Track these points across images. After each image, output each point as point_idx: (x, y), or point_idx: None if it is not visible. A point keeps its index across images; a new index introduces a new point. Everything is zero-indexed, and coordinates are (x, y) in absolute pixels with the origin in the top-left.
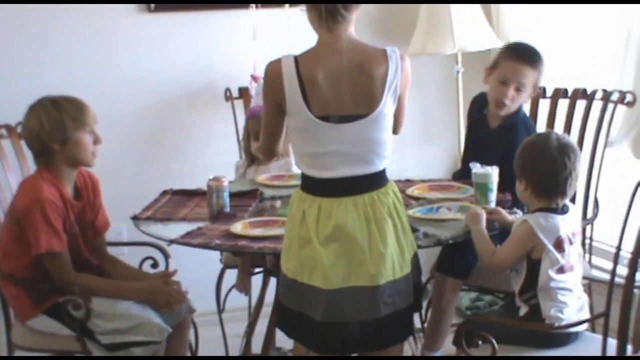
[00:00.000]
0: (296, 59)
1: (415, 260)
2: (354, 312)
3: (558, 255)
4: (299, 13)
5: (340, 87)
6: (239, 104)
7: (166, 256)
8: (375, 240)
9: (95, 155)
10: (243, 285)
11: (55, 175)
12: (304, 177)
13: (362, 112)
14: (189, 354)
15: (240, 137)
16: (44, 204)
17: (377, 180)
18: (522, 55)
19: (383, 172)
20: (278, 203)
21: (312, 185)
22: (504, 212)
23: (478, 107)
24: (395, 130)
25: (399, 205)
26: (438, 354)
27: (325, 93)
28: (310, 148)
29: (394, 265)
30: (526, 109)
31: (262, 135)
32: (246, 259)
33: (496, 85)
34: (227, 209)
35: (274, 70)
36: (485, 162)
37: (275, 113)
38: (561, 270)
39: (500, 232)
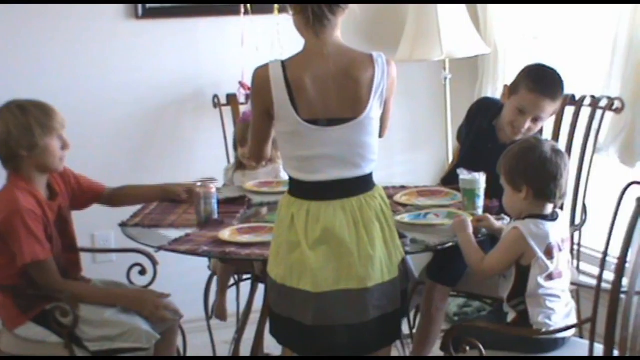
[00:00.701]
0: (283, 63)
1: (403, 266)
2: (343, 316)
3: (548, 262)
4: (288, 20)
5: (327, 91)
6: (227, 110)
7: (154, 263)
8: (364, 243)
9: (63, 160)
10: (220, 311)
11: (28, 181)
12: (292, 181)
13: (349, 116)
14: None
15: (230, 142)
16: (22, 215)
17: (364, 183)
18: (544, 88)
19: (370, 175)
20: (265, 210)
21: (300, 189)
22: (492, 218)
23: (488, 116)
24: (380, 134)
25: (386, 209)
26: None
27: (313, 97)
28: (299, 151)
29: (382, 269)
30: None
31: (250, 140)
32: (225, 277)
33: (513, 111)
34: (215, 216)
35: (261, 75)
36: (487, 172)
37: (263, 117)
38: (550, 277)
39: (488, 238)
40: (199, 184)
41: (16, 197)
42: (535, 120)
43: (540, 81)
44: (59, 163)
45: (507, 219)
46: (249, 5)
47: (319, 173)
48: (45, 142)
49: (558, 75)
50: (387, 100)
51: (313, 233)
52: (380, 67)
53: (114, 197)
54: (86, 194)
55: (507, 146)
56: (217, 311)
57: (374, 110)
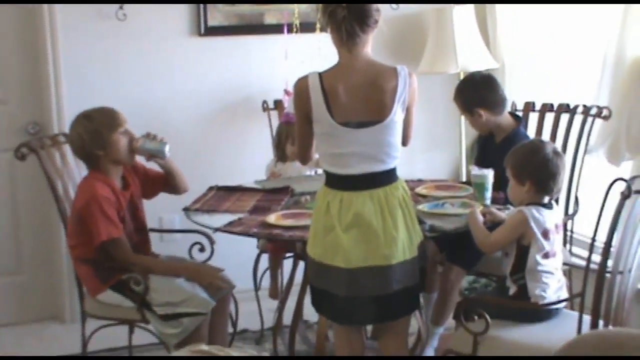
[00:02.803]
0: (320, 75)
1: (422, 247)
2: (370, 288)
3: (545, 243)
4: (327, 37)
5: (357, 98)
6: (274, 114)
7: (211, 242)
8: (389, 227)
9: (134, 153)
10: (274, 292)
11: (105, 173)
12: (328, 175)
13: (376, 119)
14: (229, 325)
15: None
16: (99, 200)
17: (389, 177)
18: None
19: (394, 170)
20: (305, 198)
21: (334, 181)
22: (496, 211)
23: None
24: (404, 142)
25: (407, 199)
26: (442, 329)
27: (345, 103)
28: (333, 149)
29: (404, 249)
30: None
31: (296, 144)
32: (275, 265)
33: None
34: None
35: (302, 85)
36: (496, 168)
37: (304, 121)
38: (546, 255)
39: (491, 227)
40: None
41: (94, 186)
42: (466, 115)
43: None
44: (129, 156)
45: (511, 208)
46: (298, 24)
47: (350, 168)
48: (113, 139)
49: (461, 83)
50: (410, 107)
51: (345, 218)
52: (403, 78)
53: (160, 181)
54: (154, 182)
55: (501, 144)
56: (271, 292)
57: (397, 114)
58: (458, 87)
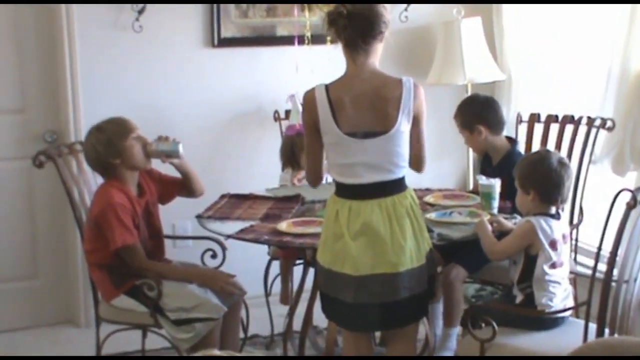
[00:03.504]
0: (327, 86)
1: (430, 255)
2: (378, 295)
3: (552, 253)
4: (336, 48)
5: (363, 109)
6: (285, 123)
7: (223, 248)
8: (396, 235)
9: (149, 158)
10: (284, 298)
11: (121, 181)
12: (337, 184)
13: (382, 130)
14: (241, 330)
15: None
16: (115, 207)
17: (396, 186)
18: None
19: (402, 179)
20: (317, 206)
21: (343, 190)
22: (503, 220)
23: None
24: (417, 167)
25: (415, 208)
26: (456, 329)
27: (351, 114)
28: (341, 159)
29: (411, 256)
30: (523, 131)
31: (306, 160)
32: (286, 271)
33: None
34: (181, 150)
35: (309, 97)
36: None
37: (312, 132)
38: (553, 266)
39: (498, 235)
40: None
41: (111, 193)
42: (464, 133)
43: None
44: (145, 160)
45: (518, 217)
46: (310, 36)
47: (358, 177)
48: (126, 145)
49: (464, 101)
50: (417, 120)
51: (354, 226)
52: (407, 88)
53: (177, 185)
54: (170, 186)
55: (498, 166)
56: (282, 298)
57: (402, 125)
58: (461, 105)
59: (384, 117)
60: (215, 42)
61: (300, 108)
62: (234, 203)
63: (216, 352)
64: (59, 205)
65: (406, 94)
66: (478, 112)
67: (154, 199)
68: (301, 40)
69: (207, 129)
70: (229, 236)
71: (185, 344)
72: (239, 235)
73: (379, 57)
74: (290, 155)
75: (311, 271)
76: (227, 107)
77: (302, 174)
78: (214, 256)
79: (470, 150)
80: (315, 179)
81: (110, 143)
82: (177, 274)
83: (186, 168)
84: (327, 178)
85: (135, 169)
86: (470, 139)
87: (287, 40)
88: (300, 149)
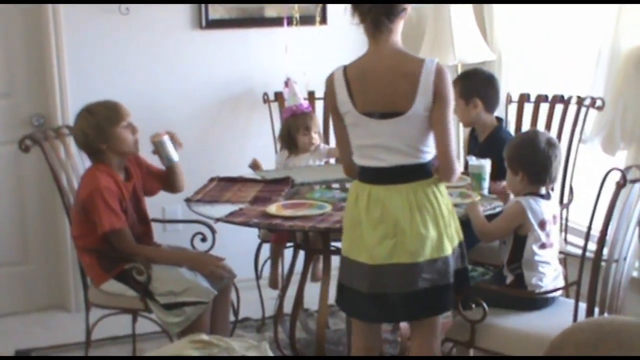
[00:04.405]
0: (345, 67)
1: (460, 248)
2: (395, 285)
3: (541, 234)
4: (326, 30)
5: (380, 88)
6: (275, 105)
7: (213, 232)
8: (416, 224)
9: (137, 143)
10: (273, 282)
11: (108, 165)
12: (359, 168)
13: (399, 111)
14: (231, 313)
15: (277, 133)
16: (102, 191)
17: (418, 172)
18: None
19: (424, 165)
20: (305, 189)
21: (364, 174)
22: (479, 209)
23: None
24: (443, 171)
25: (439, 196)
26: None
27: (367, 93)
28: (360, 141)
29: (432, 247)
30: (512, 111)
31: (337, 148)
32: (277, 256)
33: None
34: (175, 158)
35: (329, 80)
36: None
37: (337, 119)
38: (543, 246)
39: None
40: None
41: (97, 177)
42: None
43: None
44: (133, 146)
45: (511, 197)
46: (298, 17)
47: (377, 160)
48: (115, 132)
49: (469, 71)
50: (440, 107)
51: (373, 213)
52: (428, 69)
53: (161, 179)
54: (154, 178)
55: (484, 144)
56: (271, 282)
57: (421, 107)
58: (464, 74)
59: (402, 97)
60: (203, 24)
61: (296, 91)
62: (223, 186)
63: (204, 337)
64: (48, 190)
65: (425, 74)
66: (480, 86)
67: (140, 185)
68: (289, 21)
69: (196, 111)
70: (218, 219)
71: (175, 328)
72: (229, 219)
73: (400, 34)
74: (288, 138)
75: (301, 254)
76: (216, 89)
77: (293, 158)
78: (203, 240)
79: (461, 131)
80: (347, 169)
81: (99, 127)
82: (166, 257)
83: (176, 167)
84: (316, 161)
85: (123, 156)
86: (464, 110)
87: (276, 22)
88: (295, 131)
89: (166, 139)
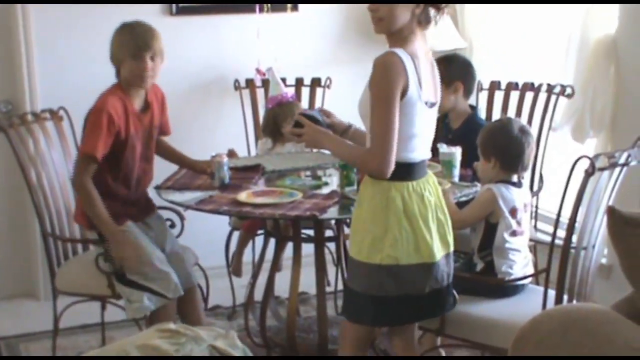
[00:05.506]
0: (400, 51)
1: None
2: (445, 278)
3: (512, 221)
4: (297, 16)
5: (430, 76)
6: (246, 92)
7: (182, 219)
8: (446, 213)
9: (145, 78)
10: (237, 269)
11: (125, 91)
12: (403, 165)
13: (436, 101)
14: (202, 306)
15: (248, 119)
16: (102, 114)
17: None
18: None
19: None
20: (275, 176)
21: (410, 169)
22: (451, 197)
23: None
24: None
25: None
26: None
27: (425, 80)
28: (410, 129)
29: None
30: (483, 99)
31: (380, 139)
32: (244, 244)
33: None
34: (227, 180)
35: (396, 60)
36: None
37: (397, 104)
38: (513, 234)
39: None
40: (213, 154)
41: (108, 99)
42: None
43: None
44: (139, 80)
45: (479, 186)
46: (268, 5)
47: (417, 152)
48: (126, 61)
49: (455, 55)
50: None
51: (421, 208)
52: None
53: (160, 145)
54: (162, 125)
55: (458, 131)
56: (234, 269)
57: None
58: (445, 56)
59: (437, 88)
60: (174, 10)
61: (279, 80)
62: (193, 174)
63: (172, 327)
64: (15, 178)
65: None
66: (461, 71)
67: (157, 123)
68: (261, 8)
69: (168, 99)
70: (187, 207)
71: (131, 313)
72: (198, 206)
73: None
74: (274, 128)
75: (272, 242)
76: (187, 76)
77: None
78: (172, 226)
79: None
80: (389, 164)
81: (121, 48)
82: (99, 220)
83: (184, 159)
84: (292, 148)
85: (131, 85)
86: (444, 95)
87: (248, 8)
88: (283, 120)
89: (225, 161)
